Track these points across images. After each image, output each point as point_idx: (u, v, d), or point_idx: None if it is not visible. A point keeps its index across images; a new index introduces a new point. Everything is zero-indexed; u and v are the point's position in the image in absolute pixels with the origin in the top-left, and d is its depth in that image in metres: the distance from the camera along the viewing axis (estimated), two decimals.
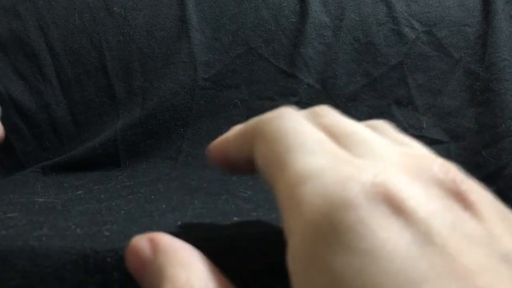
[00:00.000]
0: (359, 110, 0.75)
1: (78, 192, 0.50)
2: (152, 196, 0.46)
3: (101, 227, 0.31)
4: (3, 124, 0.75)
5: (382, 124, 0.21)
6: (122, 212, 0.38)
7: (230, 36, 0.77)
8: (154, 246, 0.19)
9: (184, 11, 0.76)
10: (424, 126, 0.74)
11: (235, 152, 0.22)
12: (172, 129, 0.74)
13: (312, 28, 0.77)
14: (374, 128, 0.20)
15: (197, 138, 0.73)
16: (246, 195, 0.44)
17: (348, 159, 0.16)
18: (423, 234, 0.13)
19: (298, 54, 0.77)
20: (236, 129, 0.23)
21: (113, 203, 0.42)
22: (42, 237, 0.29)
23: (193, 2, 0.76)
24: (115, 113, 0.75)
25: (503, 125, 0.66)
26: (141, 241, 0.20)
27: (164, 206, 0.40)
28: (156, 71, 0.76)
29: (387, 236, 0.13)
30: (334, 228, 0.14)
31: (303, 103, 0.82)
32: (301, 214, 0.15)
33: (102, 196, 0.47)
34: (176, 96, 0.75)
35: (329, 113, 0.20)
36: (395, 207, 0.14)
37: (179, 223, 0.33)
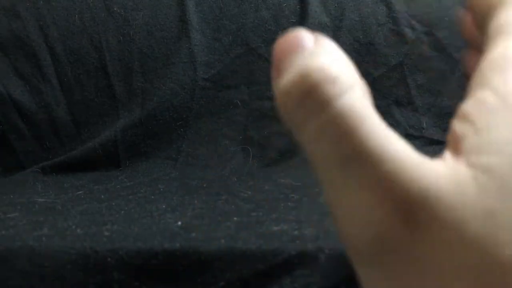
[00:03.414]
0: None
1: (78, 192, 0.50)
2: (152, 196, 0.46)
3: (101, 227, 0.31)
4: (4, 124, 0.75)
5: None
6: (122, 212, 0.38)
7: (230, 37, 0.77)
8: None
9: (184, 11, 0.76)
10: (424, 126, 0.74)
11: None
12: (172, 129, 0.74)
13: (312, 28, 0.77)
14: None
15: (197, 138, 0.73)
16: (246, 195, 0.44)
17: None
18: None
19: None
20: None
21: (113, 203, 0.42)
22: (42, 237, 0.29)
23: (193, 3, 0.76)
24: (115, 113, 0.75)
25: None
26: None
27: (164, 206, 0.40)
28: (156, 71, 0.75)
29: None
30: None
31: None
32: None
33: (102, 196, 0.47)
34: (176, 96, 0.74)
35: None
36: None
37: (179, 223, 0.33)
